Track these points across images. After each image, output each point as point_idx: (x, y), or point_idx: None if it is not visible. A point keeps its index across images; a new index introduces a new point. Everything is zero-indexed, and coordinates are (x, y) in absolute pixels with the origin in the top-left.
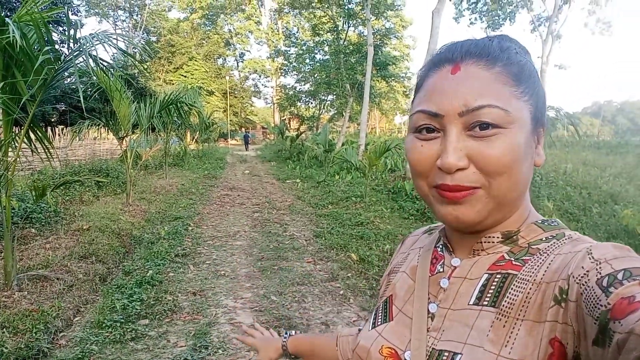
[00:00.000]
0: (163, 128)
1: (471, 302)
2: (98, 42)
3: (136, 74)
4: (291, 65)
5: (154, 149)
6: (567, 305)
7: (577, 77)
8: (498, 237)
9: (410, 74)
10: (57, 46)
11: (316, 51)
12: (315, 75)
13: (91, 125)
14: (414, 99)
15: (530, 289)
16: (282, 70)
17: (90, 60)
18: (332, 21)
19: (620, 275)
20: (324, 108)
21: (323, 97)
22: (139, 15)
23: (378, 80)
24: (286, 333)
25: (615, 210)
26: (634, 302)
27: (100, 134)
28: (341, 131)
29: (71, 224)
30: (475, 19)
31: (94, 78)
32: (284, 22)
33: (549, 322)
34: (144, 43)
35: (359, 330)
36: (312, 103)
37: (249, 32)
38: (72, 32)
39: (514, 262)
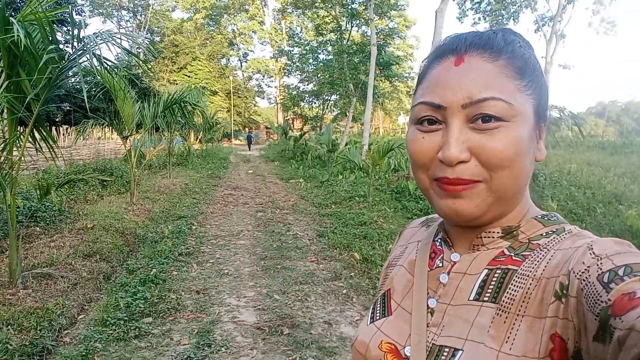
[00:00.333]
0: (167, 128)
1: (471, 298)
2: (102, 41)
3: (140, 74)
4: (294, 65)
5: (157, 148)
6: (568, 300)
7: (581, 77)
8: (498, 232)
9: (414, 74)
10: (61, 45)
11: (319, 51)
12: (319, 75)
13: (95, 125)
14: (415, 90)
15: (530, 284)
16: (285, 70)
17: (95, 59)
18: (335, 21)
19: (621, 271)
20: (327, 108)
21: (326, 97)
22: (143, 16)
23: (381, 80)
24: None
25: (620, 211)
26: (635, 299)
27: (105, 133)
28: (344, 131)
29: (75, 223)
30: (479, 18)
31: (98, 77)
32: (287, 22)
33: (550, 318)
34: (147, 43)
35: None
36: (315, 103)
37: (253, 32)
38: (76, 31)
39: (514, 258)
